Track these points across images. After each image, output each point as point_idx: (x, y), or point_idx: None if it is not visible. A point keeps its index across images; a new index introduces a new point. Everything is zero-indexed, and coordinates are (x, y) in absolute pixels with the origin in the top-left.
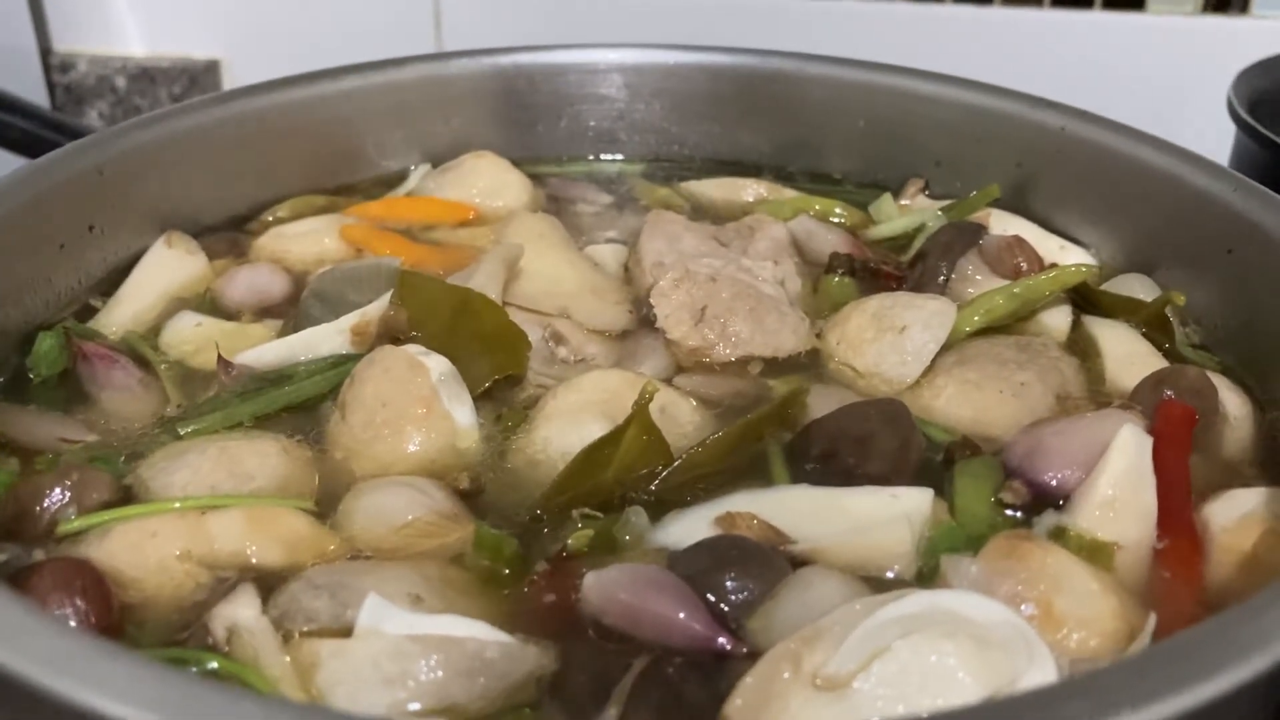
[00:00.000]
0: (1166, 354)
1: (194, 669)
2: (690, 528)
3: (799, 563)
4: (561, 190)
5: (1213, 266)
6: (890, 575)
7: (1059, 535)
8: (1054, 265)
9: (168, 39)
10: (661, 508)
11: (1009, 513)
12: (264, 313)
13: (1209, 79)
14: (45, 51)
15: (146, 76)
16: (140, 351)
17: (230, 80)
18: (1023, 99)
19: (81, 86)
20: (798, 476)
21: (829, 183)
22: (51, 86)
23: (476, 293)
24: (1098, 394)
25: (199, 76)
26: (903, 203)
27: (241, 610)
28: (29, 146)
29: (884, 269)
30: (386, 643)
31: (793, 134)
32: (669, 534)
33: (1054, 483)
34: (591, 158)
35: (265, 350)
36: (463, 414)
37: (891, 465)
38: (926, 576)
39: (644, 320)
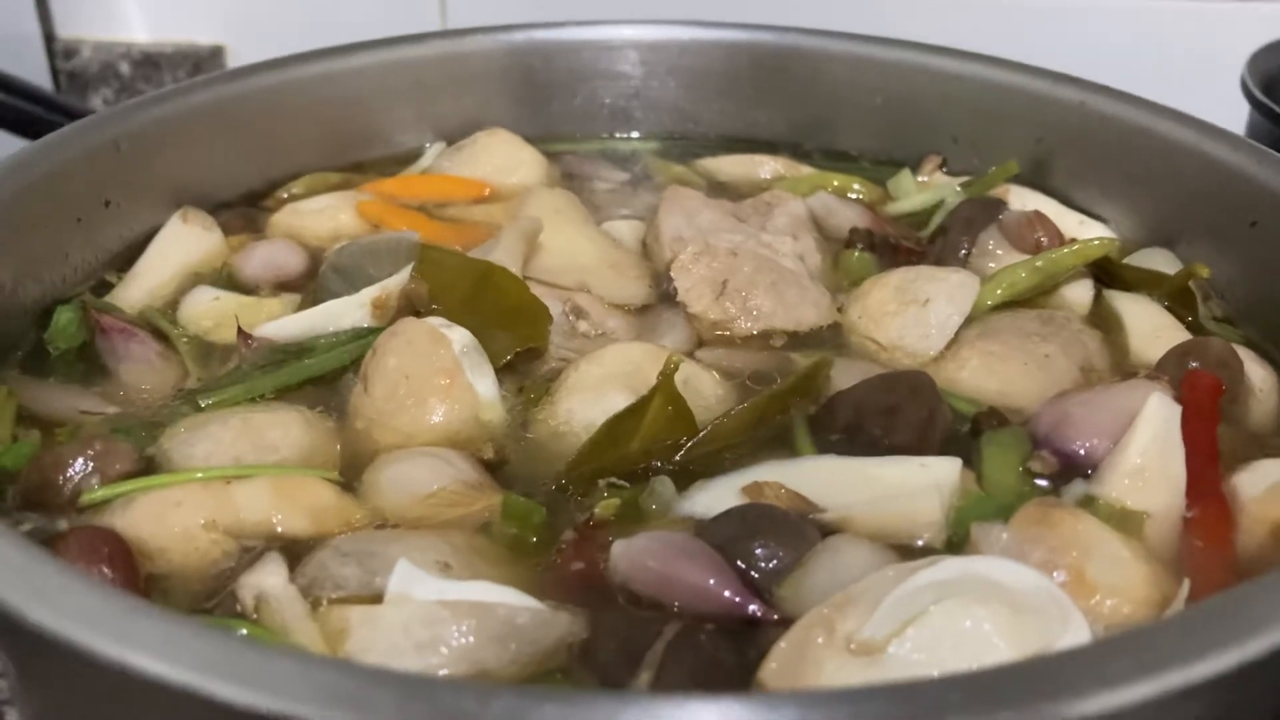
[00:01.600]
0: (1190, 327)
1: None
2: (717, 497)
3: (828, 531)
4: (577, 167)
5: (1235, 239)
6: (919, 543)
7: (1088, 504)
8: (1075, 240)
9: (172, 25)
10: (687, 478)
11: (1037, 482)
12: (281, 288)
13: (1221, 60)
14: (49, 38)
15: (150, 62)
16: (158, 325)
17: (234, 66)
18: (1041, 74)
19: (86, 73)
20: (823, 448)
21: (846, 160)
22: (55, 73)
23: (497, 266)
24: (1122, 367)
25: (203, 62)
26: (921, 179)
27: (269, 578)
28: (36, 131)
29: (904, 244)
30: (417, 608)
31: (809, 111)
32: (695, 504)
33: (1082, 452)
34: (606, 135)
35: (286, 323)
36: (485, 386)
37: (918, 436)
38: (956, 545)
39: (664, 295)
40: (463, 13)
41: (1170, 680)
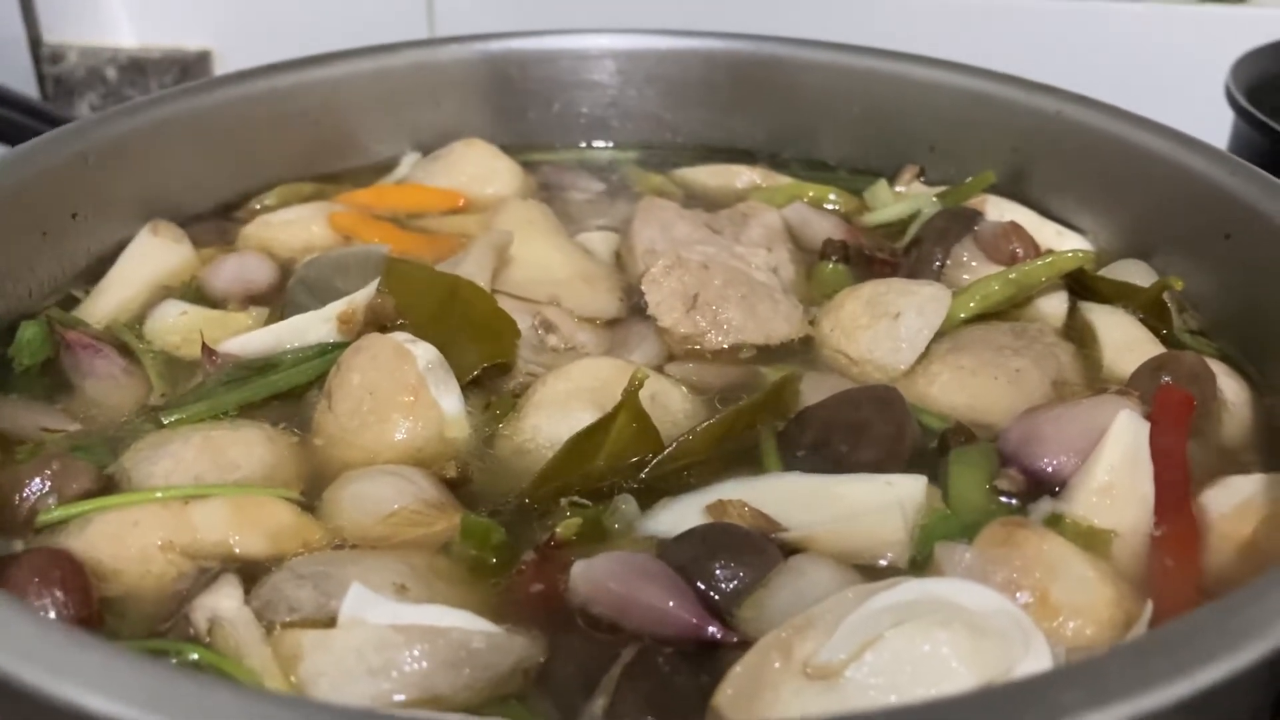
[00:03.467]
0: (1164, 340)
1: (173, 660)
2: (680, 516)
3: (791, 550)
4: (553, 177)
5: (1210, 251)
6: (883, 563)
7: (1055, 522)
8: (1050, 251)
9: (158, 30)
10: (651, 496)
11: (1004, 500)
12: (250, 301)
13: (1206, 67)
14: (35, 43)
15: (137, 67)
16: (124, 340)
17: (222, 71)
18: (1018, 83)
19: (72, 78)
20: (790, 464)
21: (823, 169)
22: (41, 78)
23: (465, 280)
24: (1095, 380)
25: (190, 67)
26: (898, 189)
27: (223, 601)
28: (18, 138)
29: (878, 255)
30: (370, 633)
31: (787, 120)
32: (659, 522)
33: (1050, 469)
34: (584, 145)
35: (251, 338)
36: (450, 402)
37: (885, 452)
38: (920, 564)
39: (635, 308)
40: (450, 19)
41: (1121, 710)
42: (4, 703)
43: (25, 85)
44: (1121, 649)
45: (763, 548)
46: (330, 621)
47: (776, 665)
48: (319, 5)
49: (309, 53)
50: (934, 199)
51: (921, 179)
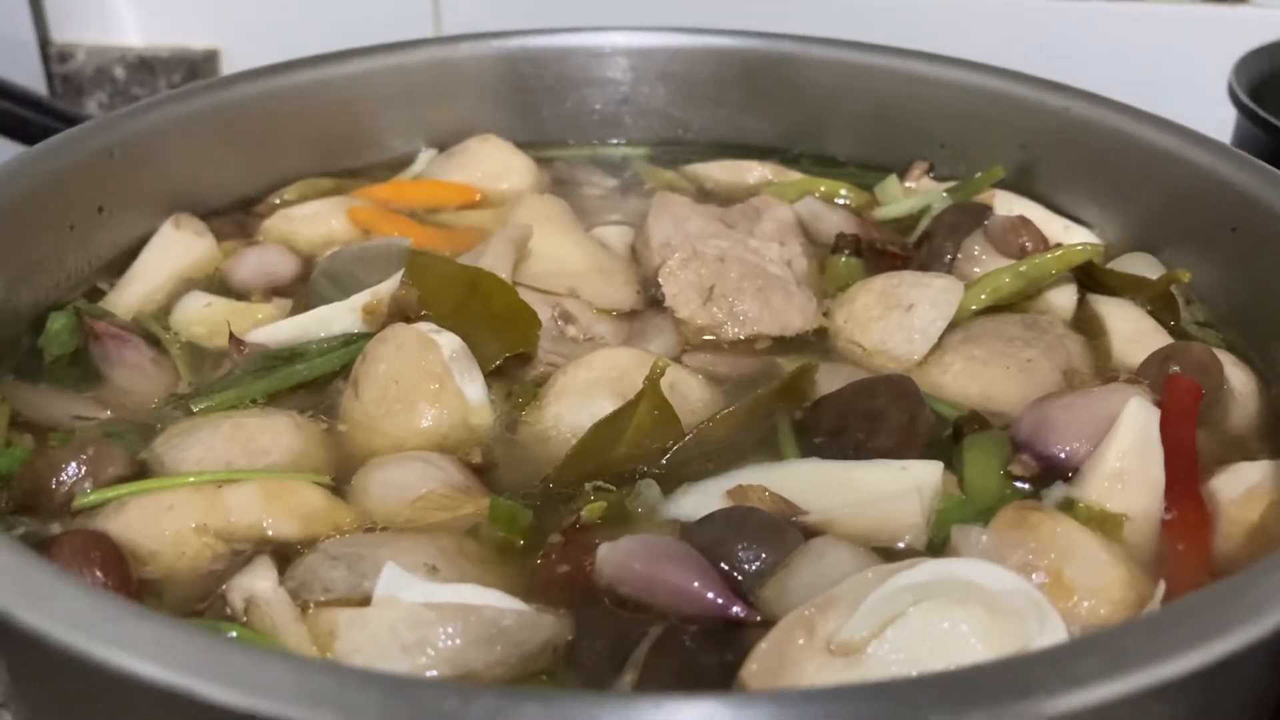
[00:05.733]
0: (1172, 331)
1: None
2: (702, 500)
3: (810, 533)
4: (567, 173)
5: (1217, 245)
6: (901, 545)
7: (1068, 507)
8: (1059, 245)
9: (166, 29)
10: (673, 481)
11: (1018, 485)
12: (272, 293)
13: (1209, 66)
14: (44, 42)
15: (145, 67)
16: (151, 330)
17: (229, 70)
18: (1026, 80)
19: (80, 77)
20: (807, 451)
21: (833, 166)
22: (50, 77)
23: (487, 272)
24: (1104, 370)
25: (198, 66)
26: (908, 185)
27: (259, 581)
28: (28, 134)
29: (890, 249)
30: (404, 611)
31: (797, 117)
32: (681, 506)
33: (1063, 455)
34: (596, 142)
35: (277, 328)
36: (474, 391)
37: (900, 439)
38: (937, 547)
39: (651, 300)
40: (455, 18)
41: (1139, 679)
42: (58, 671)
43: (34, 84)
44: (1138, 621)
45: (783, 530)
46: (364, 601)
47: (800, 642)
48: (325, 5)
49: (315, 52)
50: (944, 194)
51: (930, 174)
